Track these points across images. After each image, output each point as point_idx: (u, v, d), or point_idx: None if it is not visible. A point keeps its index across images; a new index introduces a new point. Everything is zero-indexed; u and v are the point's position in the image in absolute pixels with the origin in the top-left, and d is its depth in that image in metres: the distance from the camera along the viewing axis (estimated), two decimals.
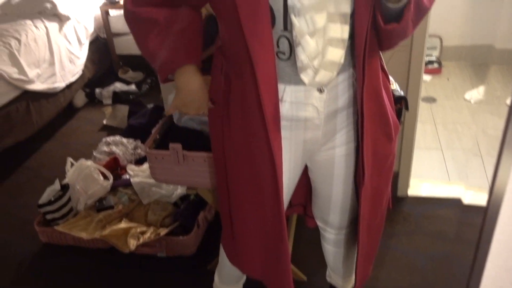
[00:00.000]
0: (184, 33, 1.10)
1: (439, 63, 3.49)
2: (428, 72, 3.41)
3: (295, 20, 0.95)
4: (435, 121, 2.94)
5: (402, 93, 1.38)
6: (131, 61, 3.69)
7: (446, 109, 3.08)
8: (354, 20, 0.99)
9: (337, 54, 1.00)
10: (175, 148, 1.49)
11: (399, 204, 2.23)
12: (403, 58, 1.93)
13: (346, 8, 0.96)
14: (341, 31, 0.98)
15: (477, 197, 2.24)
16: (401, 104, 1.37)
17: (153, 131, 1.64)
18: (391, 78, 1.29)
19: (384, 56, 1.89)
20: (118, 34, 3.61)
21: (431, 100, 3.18)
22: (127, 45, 3.60)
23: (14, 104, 2.74)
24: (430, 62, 3.45)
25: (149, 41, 1.10)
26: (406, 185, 2.27)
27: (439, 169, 2.51)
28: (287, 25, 0.98)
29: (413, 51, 1.91)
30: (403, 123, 2.06)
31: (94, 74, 3.57)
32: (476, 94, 3.15)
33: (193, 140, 1.57)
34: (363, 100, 1.07)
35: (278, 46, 1.01)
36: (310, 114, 1.11)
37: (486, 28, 3.46)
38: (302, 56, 0.98)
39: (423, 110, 3.02)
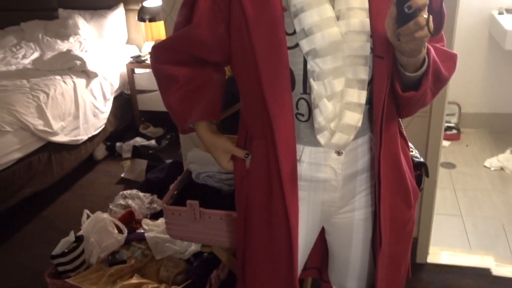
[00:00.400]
0: (201, 90, 1.16)
1: (458, 129, 3.49)
2: (447, 138, 3.41)
3: (314, 84, 0.98)
4: (454, 187, 2.90)
5: (422, 159, 1.38)
6: (152, 117, 3.78)
7: (465, 175, 3.04)
8: (372, 86, 1.01)
9: (354, 118, 1.01)
10: (192, 204, 1.49)
11: (418, 271, 2.16)
12: (422, 123, 1.94)
13: (364, 74, 0.99)
14: (359, 96, 1.00)
15: (501, 269, 2.16)
16: (421, 170, 1.35)
17: (171, 186, 1.65)
18: (410, 144, 1.29)
19: (403, 121, 1.91)
20: (142, 91, 3.72)
21: (450, 166, 3.15)
22: (150, 101, 3.71)
23: (37, 154, 2.80)
24: (449, 128, 3.46)
25: (169, 95, 1.17)
26: (426, 252, 2.20)
27: (460, 236, 2.44)
28: (307, 88, 1.01)
29: (433, 117, 1.92)
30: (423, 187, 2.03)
31: (116, 128, 3.66)
32: (496, 161, 3.12)
33: (211, 197, 1.57)
34: (380, 165, 1.07)
35: (297, 108, 1.03)
36: (327, 176, 1.11)
37: (505, 96, 3.49)
38: (320, 118, 1.00)
39: (442, 176, 2.99)
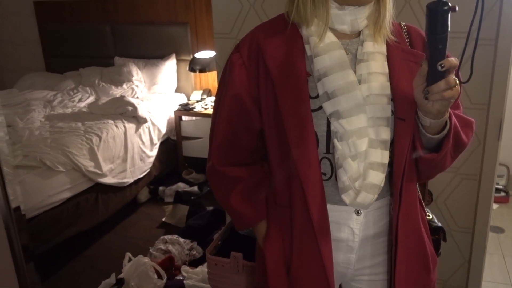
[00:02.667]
0: (261, 186, 1.18)
1: (506, 192, 3.37)
2: (495, 200, 3.28)
3: (338, 144, 1.01)
4: (503, 253, 2.77)
5: (439, 224, 1.36)
6: (195, 163, 3.86)
7: None
8: (393, 148, 1.04)
9: (378, 177, 1.02)
10: (236, 257, 1.50)
11: None
12: (471, 186, 1.90)
13: (386, 135, 1.02)
14: (382, 156, 1.02)
15: None
16: (439, 235, 1.33)
17: (215, 236, 1.67)
18: (427, 208, 1.29)
19: (452, 183, 1.88)
20: (187, 138, 3.84)
21: (498, 230, 3.03)
22: (194, 148, 3.81)
23: (85, 194, 2.91)
24: (497, 190, 3.35)
25: (231, 197, 1.18)
26: None
27: None
28: (330, 148, 1.04)
29: (483, 179, 1.88)
30: (471, 252, 1.96)
31: (160, 172, 3.75)
32: None
33: (254, 250, 1.58)
34: (398, 227, 1.07)
35: (320, 167, 1.05)
36: (345, 236, 1.11)
37: None
38: (344, 177, 1.01)
39: (490, 240, 2.86)
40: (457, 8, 0.84)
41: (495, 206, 3.28)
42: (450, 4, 0.84)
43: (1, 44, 4.79)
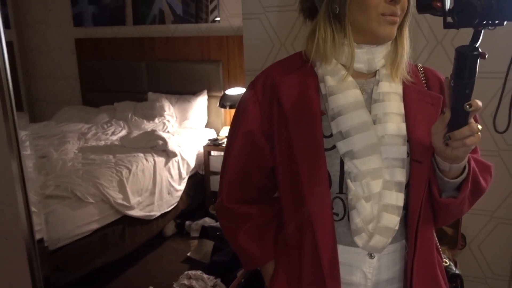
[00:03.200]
0: (271, 225, 1.16)
1: None
2: None
3: (351, 185, 0.98)
4: None
5: (457, 271, 1.29)
6: None
7: None
8: (409, 190, 1.01)
9: (392, 220, 0.99)
10: None
11: None
12: (508, 230, 1.82)
13: (401, 177, 0.99)
14: (396, 198, 0.99)
15: None
16: (456, 282, 1.27)
17: (239, 274, 1.64)
18: (443, 255, 1.23)
19: (487, 227, 1.80)
20: (216, 173, 3.85)
21: None
22: None
23: (112, 226, 2.93)
24: None
25: (239, 235, 1.16)
26: None
27: None
28: (343, 188, 1.01)
29: None
30: None
31: (187, 206, 3.76)
32: None
33: None
34: (413, 273, 1.03)
35: (332, 207, 1.03)
36: (357, 279, 1.06)
37: None
38: (357, 219, 0.99)
39: None
40: (486, 56, 0.83)
41: None
42: (480, 50, 0.84)
43: (43, 78, 5.02)
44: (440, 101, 1.04)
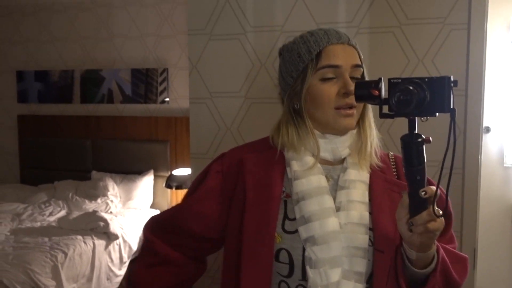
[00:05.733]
0: (174, 277, 1.16)
1: None
2: None
3: (310, 272, 0.97)
4: None
5: None
6: None
7: None
8: (373, 280, 0.98)
9: None
10: None
11: None
12: None
13: (361, 267, 0.98)
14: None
15: None
16: None
17: None
18: None
19: None
20: None
21: None
22: None
23: None
24: None
25: (140, 264, 1.17)
26: None
27: None
28: (305, 275, 0.99)
29: None
30: None
31: None
32: None
33: None
34: None
35: None
36: None
37: None
38: None
39: None
40: (431, 139, 0.86)
41: None
42: (423, 136, 0.86)
43: None
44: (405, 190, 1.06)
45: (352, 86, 0.97)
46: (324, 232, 0.97)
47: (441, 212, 0.86)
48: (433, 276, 0.94)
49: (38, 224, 3.48)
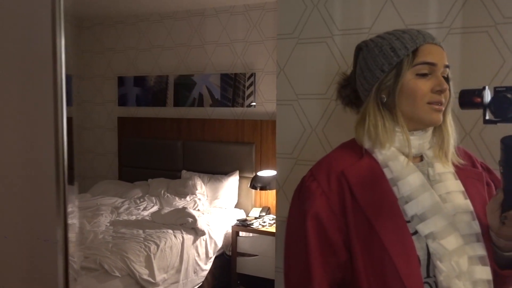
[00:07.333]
0: None
1: None
2: None
3: (442, 266, 0.99)
4: None
5: None
6: (248, 281, 3.77)
7: None
8: None
9: None
10: None
11: None
12: None
13: (482, 251, 1.01)
14: (486, 273, 1.00)
15: None
16: None
17: None
18: None
19: None
20: (242, 254, 3.81)
21: None
22: (248, 265, 3.75)
23: None
24: None
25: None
26: None
27: None
28: (429, 271, 1.01)
29: None
30: None
31: (212, 287, 3.69)
32: None
33: None
34: None
35: None
36: None
37: None
38: None
39: None
40: None
41: None
42: None
43: (84, 153, 5.26)
44: (482, 176, 1.10)
45: (445, 85, 1.03)
46: (443, 226, 1.00)
47: None
48: None
49: (134, 217, 3.77)
